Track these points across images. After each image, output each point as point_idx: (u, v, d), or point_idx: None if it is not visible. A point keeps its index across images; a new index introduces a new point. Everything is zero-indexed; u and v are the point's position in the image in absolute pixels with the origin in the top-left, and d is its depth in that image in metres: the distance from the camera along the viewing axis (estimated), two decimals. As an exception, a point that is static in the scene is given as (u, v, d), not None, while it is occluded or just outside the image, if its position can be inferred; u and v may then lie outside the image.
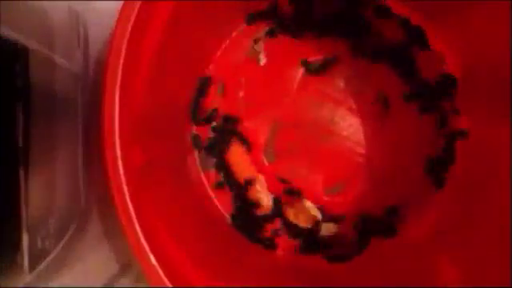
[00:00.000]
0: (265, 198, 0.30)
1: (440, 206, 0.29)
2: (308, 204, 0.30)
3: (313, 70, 0.31)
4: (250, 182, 0.30)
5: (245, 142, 0.31)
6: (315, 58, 0.31)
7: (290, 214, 0.30)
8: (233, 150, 0.31)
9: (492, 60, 0.27)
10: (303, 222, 0.30)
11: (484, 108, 0.28)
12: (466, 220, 0.27)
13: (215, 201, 0.30)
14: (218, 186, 0.30)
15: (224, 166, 0.30)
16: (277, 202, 0.30)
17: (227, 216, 0.30)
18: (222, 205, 0.30)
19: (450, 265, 0.26)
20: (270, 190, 0.31)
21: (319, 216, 0.30)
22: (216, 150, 0.31)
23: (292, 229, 0.30)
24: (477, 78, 0.29)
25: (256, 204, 0.30)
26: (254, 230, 0.30)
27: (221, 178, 0.30)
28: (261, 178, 0.30)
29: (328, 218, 0.30)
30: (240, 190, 0.30)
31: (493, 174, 0.27)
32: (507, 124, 0.26)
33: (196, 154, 0.30)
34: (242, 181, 0.30)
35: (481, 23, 0.27)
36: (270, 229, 0.30)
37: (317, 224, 0.30)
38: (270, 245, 0.30)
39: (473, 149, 0.29)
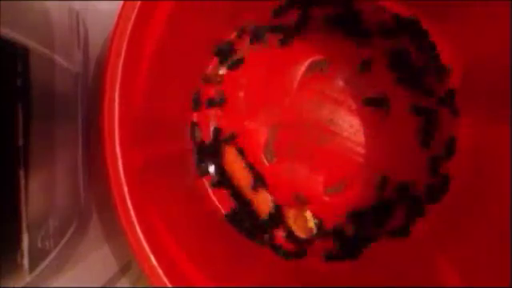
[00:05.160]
0: (265, 203, 0.30)
1: (440, 206, 0.29)
2: (307, 215, 0.30)
3: (315, 71, 0.31)
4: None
5: (240, 150, 0.31)
6: (317, 58, 0.31)
7: (290, 218, 0.30)
8: (228, 155, 0.31)
9: (492, 59, 0.27)
10: (299, 232, 0.30)
11: (484, 108, 0.28)
12: (466, 220, 0.27)
13: (215, 201, 0.30)
14: (216, 185, 0.30)
15: (222, 171, 0.31)
16: (278, 207, 0.30)
17: (225, 214, 0.30)
18: (223, 205, 0.30)
19: (450, 265, 0.26)
20: (270, 193, 0.30)
21: (315, 230, 0.30)
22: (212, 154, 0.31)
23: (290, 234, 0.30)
24: (477, 77, 0.29)
25: (254, 205, 0.30)
26: (253, 230, 0.30)
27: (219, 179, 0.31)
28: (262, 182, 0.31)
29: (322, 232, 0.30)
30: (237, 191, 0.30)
31: (493, 174, 0.27)
32: (507, 124, 0.26)
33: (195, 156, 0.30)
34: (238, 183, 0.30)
35: (481, 22, 0.27)
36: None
37: (311, 238, 0.30)
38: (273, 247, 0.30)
39: (473, 149, 0.29)
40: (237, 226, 0.30)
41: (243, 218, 0.30)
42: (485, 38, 0.27)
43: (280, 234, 0.30)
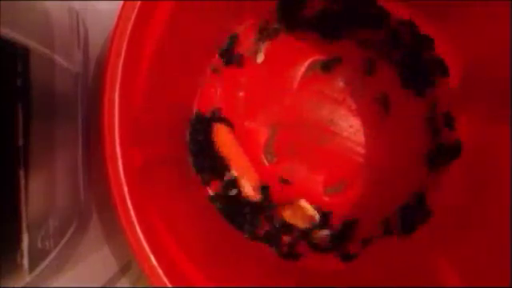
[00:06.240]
0: (251, 191, 0.30)
1: (439, 205, 0.29)
2: (304, 204, 0.30)
3: (315, 71, 0.31)
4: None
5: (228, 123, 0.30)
6: (317, 58, 0.31)
7: (287, 215, 0.30)
8: (219, 135, 0.30)
9: (492, 59, 0.27)
10: (300, 223, 0.30)
11: (484, 108, 0.28)
12: (466, 220, 0.27)
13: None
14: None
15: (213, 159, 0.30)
16: (267, 195, 0.30)
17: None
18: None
19: (450, 265, 0.26)
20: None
21: (317, 216, 0.30)
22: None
23: (290, 229, 0.30)
24: (477, 77, 0.29)
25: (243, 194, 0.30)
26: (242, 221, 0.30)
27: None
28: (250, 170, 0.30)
29: (323, 221, 0.30)
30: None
31: (493, 174, 0.27)
32: (507, 124, 0.26)
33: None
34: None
35: (481, 22, 0.27)
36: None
37: (313, 226, 0.30)
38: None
39: (473, 149, 0.29)
40: (226, 211, 0.30)
41: (231, 201, 0.30)
42: (485, 37, 0.27)
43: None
